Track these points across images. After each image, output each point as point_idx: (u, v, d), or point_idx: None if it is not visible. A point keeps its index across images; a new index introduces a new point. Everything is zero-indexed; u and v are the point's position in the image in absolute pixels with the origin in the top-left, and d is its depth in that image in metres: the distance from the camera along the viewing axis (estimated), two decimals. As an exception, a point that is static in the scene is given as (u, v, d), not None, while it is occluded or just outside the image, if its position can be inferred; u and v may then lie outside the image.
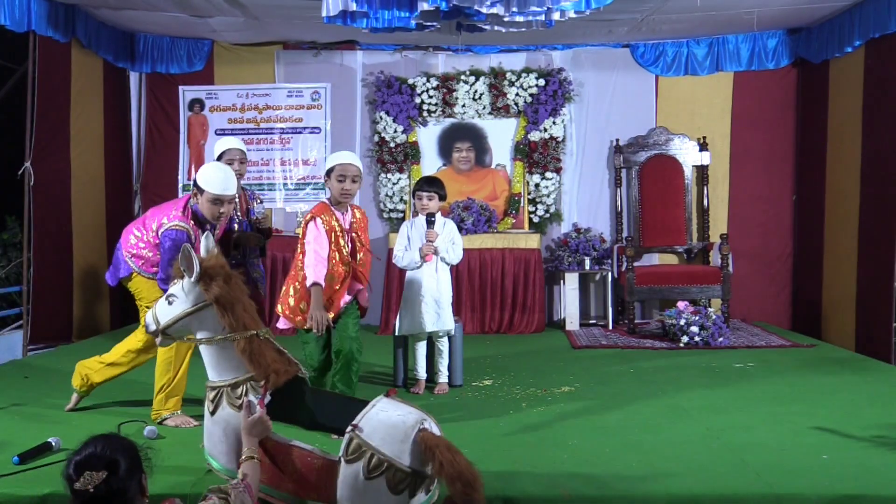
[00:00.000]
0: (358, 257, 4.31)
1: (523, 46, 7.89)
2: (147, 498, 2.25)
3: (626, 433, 4.04)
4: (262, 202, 5.24)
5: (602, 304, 7.82)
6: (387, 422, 2.73)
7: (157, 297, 4.00)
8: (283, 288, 4.32)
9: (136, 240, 4.33)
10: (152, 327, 3.05)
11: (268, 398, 2.86)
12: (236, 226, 4.80)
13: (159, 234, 4.17)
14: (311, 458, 2.83)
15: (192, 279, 2.91)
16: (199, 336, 2.98)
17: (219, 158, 4.62)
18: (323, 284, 4.09)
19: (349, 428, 2.75)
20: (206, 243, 3.04)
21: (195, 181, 4.20)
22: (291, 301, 4.21)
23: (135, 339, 4.37)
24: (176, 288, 2.98)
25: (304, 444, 2.90)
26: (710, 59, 7.78)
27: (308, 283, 4.09)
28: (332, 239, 4.17)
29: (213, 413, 2.94)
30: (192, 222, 4.17)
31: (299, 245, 4.24)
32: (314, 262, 4.08)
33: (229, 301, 2.89)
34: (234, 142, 4.96)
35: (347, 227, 4.28)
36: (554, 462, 3.55)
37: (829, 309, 7.05)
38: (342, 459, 2.71)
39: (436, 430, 2.74)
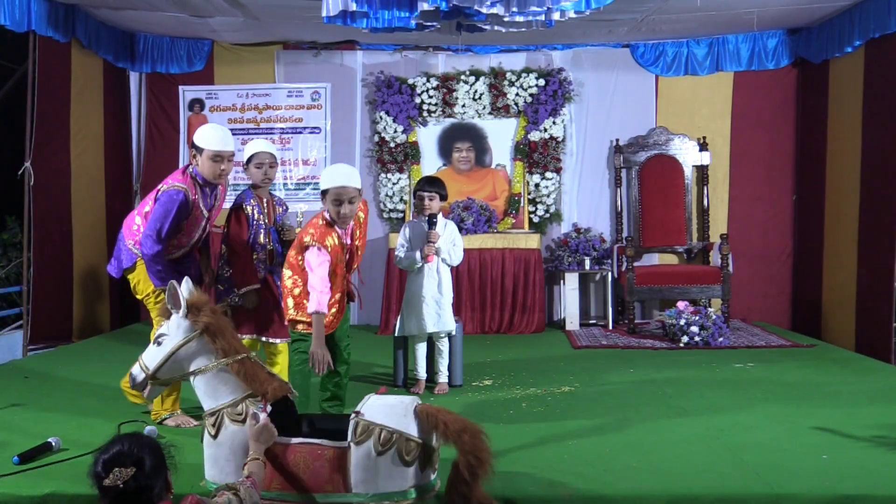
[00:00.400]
0: (353, 267, 4.28)
1: (523, 46, 7.89)
2: (171, 494, 2.30)
3: (626, 433, 4.04)
4: (287, 209, 4.72)
5: (602, 304, 7.82)
6: (385, 403, 2.99)
7: (153, 289, 4.10)
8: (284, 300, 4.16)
9: (139, 226, 4.23)
10: (140, 377, 3.11)
11: (269, 408, 2.99)
12: (262, 234, 4.37)
13: (157, 196, 4.12)
14: (320, 451, 2.94)
15: (181, 314, 3.06)
16: (192, 368, 3.09)
17: (248, 161, 4.31)
18: (326, 312, 3.92)
19: (352, 415, 2.94)
20: (187, 286, 3.11)
21: (193, 143, 4.16)
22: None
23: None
24: (163, 328, 3.11)
25: (310, 439, 3.01)
26: (710, 59, 7.78)
27: (310, 309, 3.90)
28: (335, 259, 4.02)
29: (215, 436, 3.04)
30: (193, 185, 4.14)
31: (295, 258, 4.05)
32: (320, 288, 3.87)
33: (219, 327, 3.05)
34: (265, 145, 4.48)
35: (349, 242, 4.16)
36: (554, 462, 3.55)
37: (829, 309, 7.05)
38: (351, 444, 2.89)
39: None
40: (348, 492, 2.92)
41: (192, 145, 4.19)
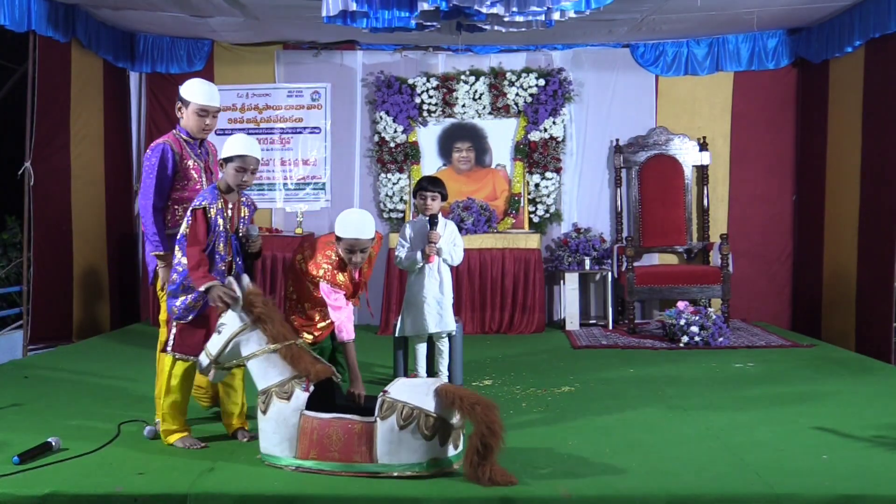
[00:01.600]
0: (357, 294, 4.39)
1: (523, 46, 7.89)
2: None
3: (626, 433, 4.04)
4: (254, 209, 4.15)
5: (602, 304, 7.82)
6: (410, 384, 3.47)
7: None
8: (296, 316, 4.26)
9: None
10: (206, 362, 3.60)
11: (311, 388, 3.46)
12: (223, 244, 3.85)
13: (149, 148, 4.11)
14: (351, 425, 3.36)
15: (238, 306, 3.56)
16: (245, 353, 3.56)
17: (228, 161, 3.84)
18: (353, 338, 4.13)
19: (380, 395, 3.36)
20: (243, 282, 3.60)
21: (180, 95, 4.10)
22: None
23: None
24: (224, 318, 3.59)
25: (343, 414, 3.40)
26: (710, 59, 7.78)
27: (345, 338, 4.09)
28: (345, 291, 4.17)
29: (265, 412, 3.48)
30: (176, 140, 4.09)
31: (303, 274, 4.16)
32: (345, 317, 4.08)
33: (269, 317, 3.53)
34: (252, 147, 3.86)
35: (358, 278, 4.28)
36: (554, 462, 3.55)
37: (829, 309, 7.05)
38: (377, 419, 3.30)
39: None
40: (374, 462, 3.30)
41: (179, 98, 4.14)
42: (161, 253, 4.04)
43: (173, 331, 3.82)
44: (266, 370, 3.52)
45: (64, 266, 6.83)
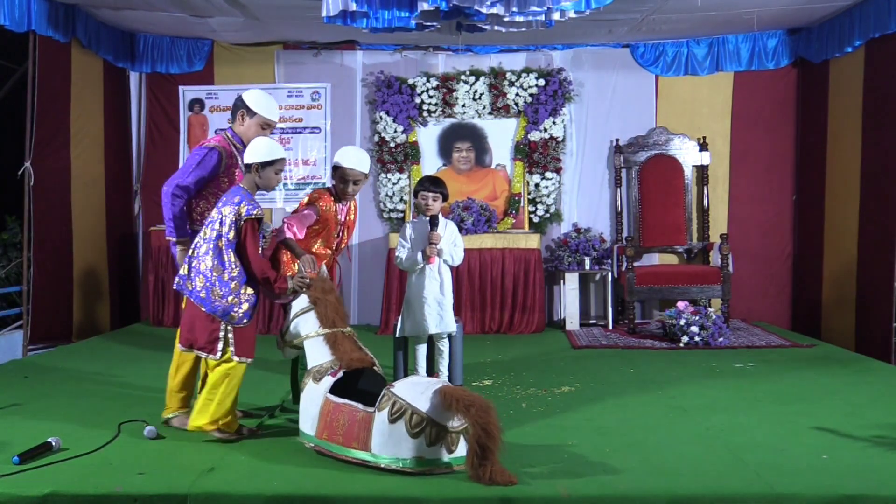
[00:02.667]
0: (342, 246, 4.68)
1: (523, 46, 7.89)
2: None
3: (626, 433, 4.04)
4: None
5: (602, 304, 7.82)
6: (414, 380, 3.62)
7: None
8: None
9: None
10: (279, 340, 4.07)
11: (340, 374, 3.67)
12: None
13: (196, 147, 4.18)
14: (355, 412, 3.51)
15: (307, 290, 3.89)
16: (303, 333, 3.87)
17: (269, 164, 4.03)
18: (301, 236, 4.32)
19: (386, 387, 3.50)
20: (323, 271, 4.03)
21: (244, 103, 4.21)
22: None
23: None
24: (297, 300, 3.93)
25: (352, 401, 3.53)
26: (710, 59, 7.78)
27: (279, 238, 4.30)
28: (324, 225, 4.43)
29: (303, 391, 3.76)
30: (228, 144, 4.18)
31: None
32: (297, 221, 4.31)
33: (323, 301, 3.83)
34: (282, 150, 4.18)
35: (343, 219, 4.55)
36: (554, 462, 3.55)
37: (829, 309, 7.05)
38: (376, 410, 3.43)
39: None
40: (368, 451, 3.42)
41: (242, 104, 4.22)
42: (184, 239, 4.09)
43: (230, 336, 3.84)
44: (314, 352, 3.81)
45: (64, 266, 6.83)
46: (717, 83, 7.83)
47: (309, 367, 3.79)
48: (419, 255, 4.84)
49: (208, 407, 3.86)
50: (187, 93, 7.99)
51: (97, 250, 7.33)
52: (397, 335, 5.05)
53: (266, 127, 4.26)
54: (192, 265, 3.88)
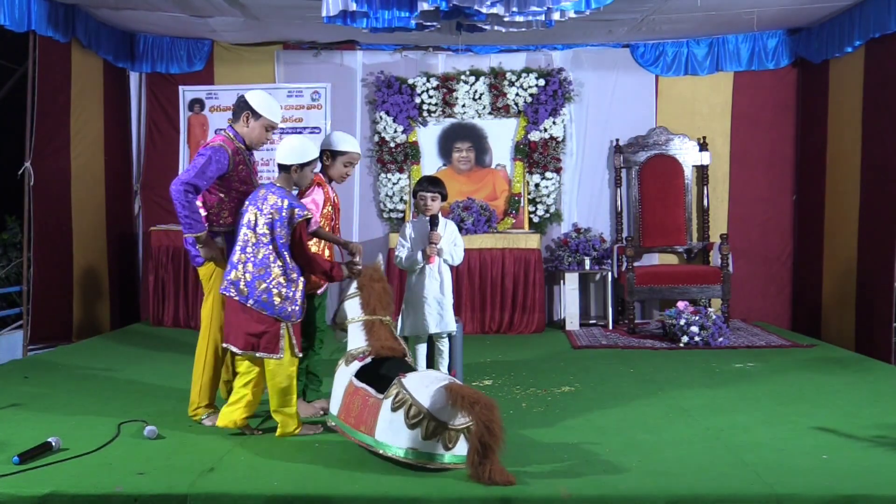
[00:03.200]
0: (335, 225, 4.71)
1: (523, 46, 7.89)
2: None
3: (626, 433, 4.04)
4: None
5: (602, 304, 7.82)
6: (425, 374, 3.70)
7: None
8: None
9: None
10: (334, 325, 4.25)
11: (368, 360, 3.83)
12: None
13: (202, 147, 4.19)
14: (368, 397, 3.62)
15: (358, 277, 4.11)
16: (348, 317, 4.05)
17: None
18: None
19: (398, 376, 3.57)
20: (378, 260, 4.19)
21: (248, 103, 4.22)
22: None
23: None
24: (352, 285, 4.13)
25: (369, 387, 3.66)
26: (710, 59, 7.78)
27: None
28: (325, 209, 4.46)
29: (336, 372, 3.94)
30: (232, 143, 4.20)
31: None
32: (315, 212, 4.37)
33: (367, 289, 4.00)
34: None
35: (333, 201, 4.62)
36: (554, 462, 3.55)
37: (829, 309, 7.05)
38: (384, 397, 3.52)
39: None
40: (372, 436, 3.52)
41: (246, 105, 4.23)
42: (202, 234, 4.08)
43: (291, 335, 3.93)
44: (353, 336, 3.98)
45: (64, 266, 6.83)
46: (717, 83, 7.83)
47: (347, 350, 3.97)
48: (419, 255, 4.83)
49: (290, 411, 3.97)
50: (187, 93, 7.98)
51: (97, 250, 7.33)
52: (397, 335, 5.04)
53: (270, 129, 4.30)
54: (248, 269, 3.87)
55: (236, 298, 3.89)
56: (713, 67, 7.78)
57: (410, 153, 7.84)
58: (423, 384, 3.46)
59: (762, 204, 7.79)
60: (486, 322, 7.39)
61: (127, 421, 4.18)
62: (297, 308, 3.93)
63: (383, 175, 7.85)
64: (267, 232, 3.86)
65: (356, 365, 3.83)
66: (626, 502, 3.13)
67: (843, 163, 6.83)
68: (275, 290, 3.85)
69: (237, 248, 3.94)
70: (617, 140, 7.84)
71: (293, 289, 3.90)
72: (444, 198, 4.90)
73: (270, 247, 3.87)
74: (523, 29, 5.46)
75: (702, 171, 7.79)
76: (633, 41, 7.79)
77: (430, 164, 7.90)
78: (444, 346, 5.01)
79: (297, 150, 4.05)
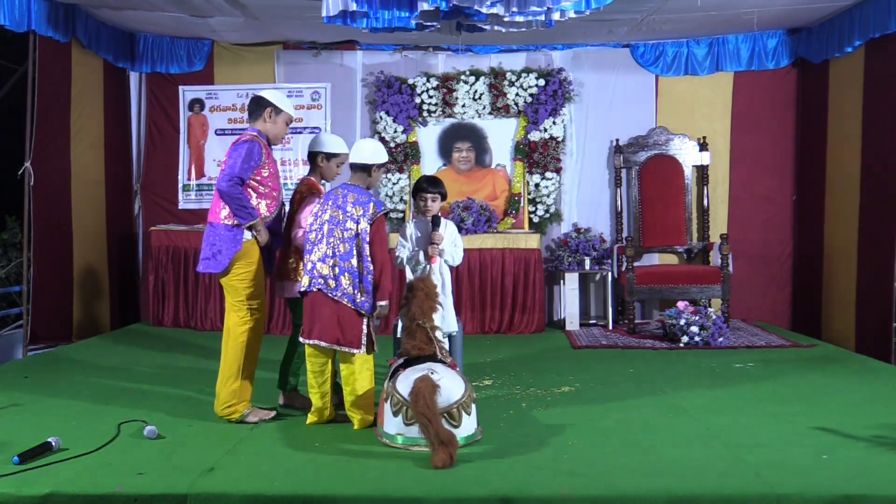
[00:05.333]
0: None
1: (523, 46, 7.89)
2: None
3: (626, 433, 4.04)
4: None
5: (602, 304, 7.82)
6: (423, 367, 3.91)
7: (243, 295, 4.25)
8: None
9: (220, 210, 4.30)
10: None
11: (400, 362, 4.10)
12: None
13: (234, 144, 4.26)
14: (383, 392, 3.95)
15: None
16: (401, 324, 4.39)
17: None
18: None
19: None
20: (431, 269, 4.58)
21: (269, 102, 4.33)
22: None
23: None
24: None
25: (390, 381, 3.92)
26: (710, 59, 7.78)
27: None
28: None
29: None
30: (260, 140, 4.28)
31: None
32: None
33: (411, 297, 4.27)
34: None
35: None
36: (554, 462, 3.55)
37: (829, 309, 7.05)
38: (383, 392, 3.95)
39: (440, 379, 3.78)
40: (381, 425, 3.88)
41: (266, 103, 4.33)
42: (257, 221, 4.22)
43: (371, 331, 4.14)
44: (402, 340, 4.28)
45: (64, 266, 6.83)
46: (717, 83, 7.83)
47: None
48: (421, 255, 4.83)
49: (370, 402, 4.16)
50: (187, 93, 7.99)
51: (97, 250, 7.33)
52: (398, 335, 5.04)
53: (289, 123, 4.49)
54: (339, 265, 4.07)
55: (325, 292, 4.07)
56: (713, 67, 7.78)
57: (410, 153, 7.84)
58: (408, 375, 3.82)
59: (762, 204, 7.79)
60: (486, 322, 7.39)
61: (127, 421, 4.18)
62: (371, 304, 4.14)
63: (383, 175, 7.84)
64: (353, 227, 4.10)
65: (391, 368, 4.10)
66: (626, 502, 3.13)
67: (843, 163, 6.83)
68: (360, 285, 4.08)
69: (321, 244, 4.11)
70: (617, 140, 7.84)
71: (372, 285, 4.13)
72: (443, 197, 4.91)
73: (351, 243, 4.09)
74: (523, 29, 5.46)
75: (702, 171, 7.79)
76: (633, 41, 7.79)
77: (430, 164, 7.90)
78: (444, 345, 5.00)
79: (376, 151, 4.33)
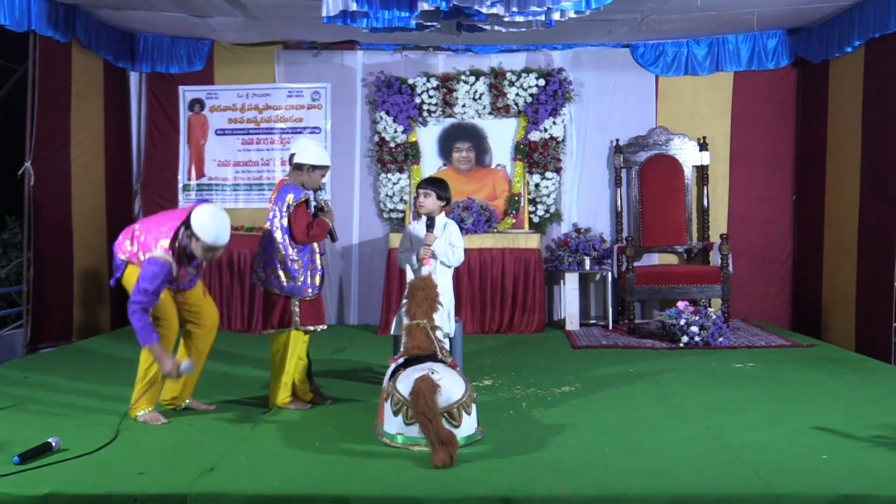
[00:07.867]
0: None
1: (523, 46, 7.89)
2: None
3: (626, 433, 4.04)
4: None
5: (602, 304, 7.82)
6: (423, 367, 3.92)
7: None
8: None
9: (128, 250, 4.33)
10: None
11: (400, 361, 4.11)
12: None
13: (145, 257, 4.14)
14: (382, 392, 4.00)
15: None
16: (403, 323, 4.36)
17: (317, 167, 4.64)
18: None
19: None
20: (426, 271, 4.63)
21: (190, 222, 4.11)
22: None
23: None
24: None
25: (397, 380, 3.90)
26: (710, 59, 7.78)
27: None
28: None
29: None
30: (176, 258, 4.14)
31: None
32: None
33: (410, 296, 4.33)
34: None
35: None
36: (554, 462, 3.55)
37: (829, 309, 7.05)
38: (384, 391, 3.98)
39: (440, 379, 3.78)
40: (382, 426, 3.88)
41: (189, 224, 4.11)
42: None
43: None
44: (403, 342, 4.31)
45: (64, 266, 6.83)
46: (717, 83, 7.83)
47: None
48: (413, 257, 4.84)
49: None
50: (187, 93, 8.00)
51: (97, 250, 7.33)
52: (393, 332, 5.01)
53: (211, 250, 4.17)
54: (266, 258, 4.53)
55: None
56: (713, 67, 7.78)
57: (410, 153, 7.84)
58: (409, 375, 3.83)
59: (762, 204, 7.79)
60: (486, 322, 7.39)
61: (126, 420, 4.18)
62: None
63: (383, 175, 7.85)
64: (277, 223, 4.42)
65: (392, 366, 4.11)
66: (626, 502, 3.14)
67: (843, 163, 6.83)
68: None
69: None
70: (617, 140, 7.84)
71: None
72: (440, 196, 4.87)
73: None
74: (523, 29, 5.46)
75: (702, 171, 7.79)
76: (633, 41, 7.79)
77: (430, 164, 7.90)
78: (444, 345, 4.99)
79: (317, 154, 4.60)
